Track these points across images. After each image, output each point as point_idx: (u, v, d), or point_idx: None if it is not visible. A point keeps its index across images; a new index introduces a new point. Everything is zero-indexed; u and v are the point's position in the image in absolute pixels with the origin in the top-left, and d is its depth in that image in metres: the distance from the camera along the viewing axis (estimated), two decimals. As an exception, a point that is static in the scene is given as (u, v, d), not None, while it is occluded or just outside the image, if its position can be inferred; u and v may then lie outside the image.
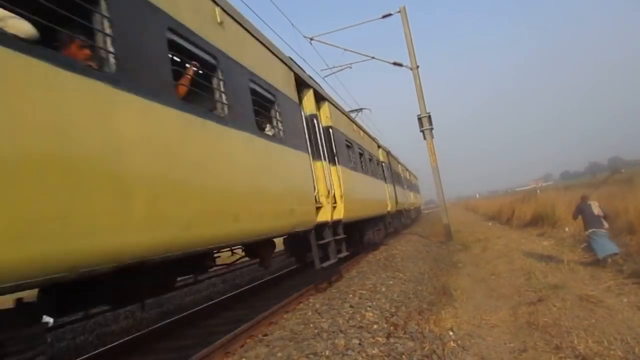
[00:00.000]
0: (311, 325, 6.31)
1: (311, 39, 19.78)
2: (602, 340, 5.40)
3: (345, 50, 20.01)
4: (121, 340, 7.25)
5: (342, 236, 9.71)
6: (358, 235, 13.98)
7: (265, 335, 6.25)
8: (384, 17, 19.71)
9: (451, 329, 6.38)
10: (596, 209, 10.70)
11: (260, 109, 6.39)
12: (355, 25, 21.37)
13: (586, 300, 7.23)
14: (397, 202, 21.50)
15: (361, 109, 20.11)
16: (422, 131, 18.94)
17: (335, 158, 10.02)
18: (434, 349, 5.50)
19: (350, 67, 21.24)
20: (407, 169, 35.49)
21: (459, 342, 5.86)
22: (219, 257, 6.87)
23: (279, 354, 5.20)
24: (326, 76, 22.00)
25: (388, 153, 22.64)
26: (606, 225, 10.54)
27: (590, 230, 10.55)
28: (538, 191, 37.00)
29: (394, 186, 21.81)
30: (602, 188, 16.00)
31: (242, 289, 10.91)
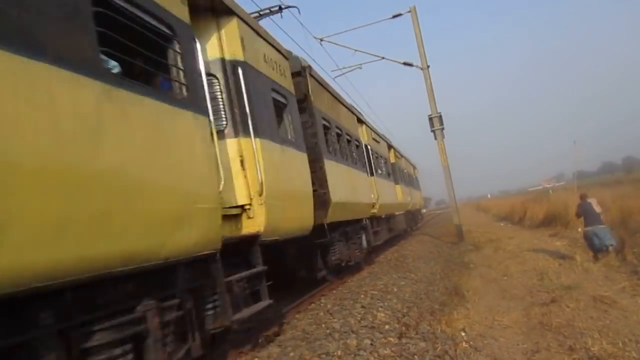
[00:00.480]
0: (323, 325, 6.34)
1: (321, 40, 19.80)
2: (616, 341, 5.35)
3: (355, 50, 19.99)
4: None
5: None
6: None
7: (278, 335, 6.30)
8: (394, 17, 19.66)
9: (463, 330, 6.36)
10: (596, 207, 11.07)
11: None
12: (365, 25, 21.36)
13: (600, 301, 7.16)
14: (338, 206, 8.91)
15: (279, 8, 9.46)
16: (433, 131, 18.86)
17: None
18: (446, 349, 5.50)
19: (361, 68, 21.23)
20: (388, 144, 20.84)
21: (471, 342, 5.84)
22: None
23: (291, 354, 5.24)
24: (336, 77, 21.95)
25: (319, 83, 9.85)
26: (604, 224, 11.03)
27: (590, 227, 10.95)
28: (550, 191, 36.68)
29: (338, 164, 9.94)
30: (617, 188, 16.03)
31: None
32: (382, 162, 17.37)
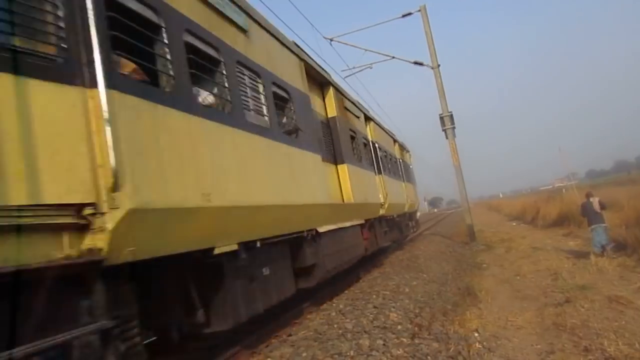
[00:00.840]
0: (335, 325, 6.34)
1: (331, 40, 19.80)
2: (632, 342, 5.29)
3: (365, 50, 19.97)
4: (148, 340, 7.38)
5: None
6: None
7: (290, 335, 6.31)
8: (404, 16, 19.60)
9: (476, 330, 6.33)
10: (596, 206, 11.47)
11: None
12: (375, 25, 21.31)
13: (615, 301, 7.07)
14: None
15: None
16: (445, 130, 18.77)
17: None
18: (459, 350, 5.47)
19: (371, 67, 21.15)
20: (324, 79, 9.79)
21: (484, 343, 5.81)
22: None
23: (304, 354, 5.24)
24: (347, 77, 21.90)
25: None
26: (605, 223, 11.48)
27: (591, 226, 11.51)
28: (564, 190, 36.29)
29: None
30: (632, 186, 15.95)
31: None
32: (289, 104, 7.49)
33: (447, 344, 5.63)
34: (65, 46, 3.16)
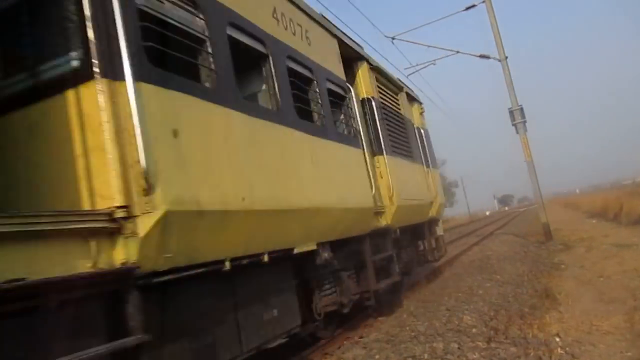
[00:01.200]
0: (407, 328, 6.29)
1: (393, 38, 19.63)
2: None
3: (428, 46, 19.61)
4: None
5: None
6: None
7: (361, 337, 6.34)
8: (467, 9, 19.04)
9: (557, 335, 6.02)
10: None
11: None
12: (437, 20, 20.90)
13: None
14: None
15: None
16: (515, 125, 18.01)
17: None
18: (539, 355, 5.24)
19: (434, 64, 20.70)
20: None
21: (567, 349, 5.51)
22: None
23: (377, 357, 5.25)
24: (410, 74, 21.51)
25: None
26: None
27: None
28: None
29: None
30: None
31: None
32: None
33: (526, 349, 5.41)
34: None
